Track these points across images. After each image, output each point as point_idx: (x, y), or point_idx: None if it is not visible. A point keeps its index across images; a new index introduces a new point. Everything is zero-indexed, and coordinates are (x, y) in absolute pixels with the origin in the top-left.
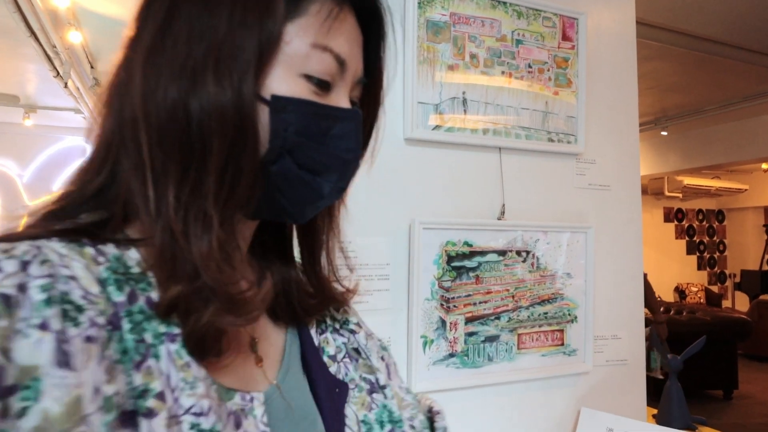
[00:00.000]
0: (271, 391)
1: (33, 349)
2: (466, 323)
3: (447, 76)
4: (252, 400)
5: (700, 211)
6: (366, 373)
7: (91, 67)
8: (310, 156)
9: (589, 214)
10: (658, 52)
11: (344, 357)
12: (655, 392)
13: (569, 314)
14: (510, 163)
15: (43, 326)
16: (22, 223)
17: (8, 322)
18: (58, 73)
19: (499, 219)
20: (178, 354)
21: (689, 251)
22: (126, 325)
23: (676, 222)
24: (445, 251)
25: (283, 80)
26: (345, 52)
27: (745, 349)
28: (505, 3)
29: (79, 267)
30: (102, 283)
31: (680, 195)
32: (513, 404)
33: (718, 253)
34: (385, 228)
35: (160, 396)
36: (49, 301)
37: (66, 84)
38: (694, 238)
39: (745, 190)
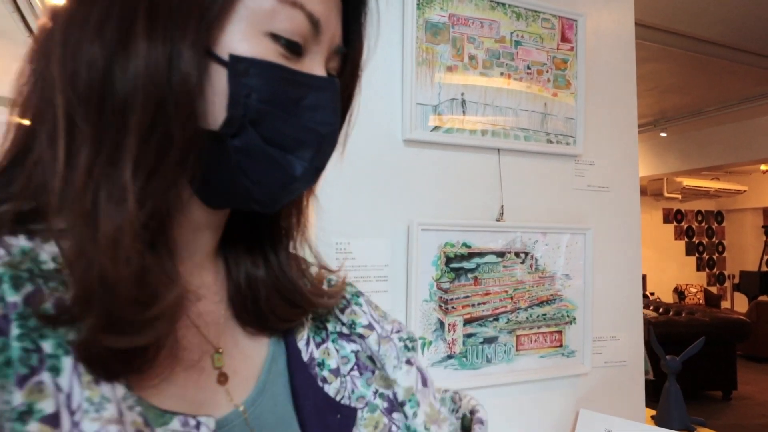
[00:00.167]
0: (231, 417)
1: None
2: (464, 324)
3: (446, 77)
4: (198, 425)
5: (699, 212)
6: (383, 388)
7: None
8: (279, 128)
9: (588, 216)
10: (657, 53)
11: (352, 369)
12: (654, 393)
13: (568, 315)
14: (509, 165)
15: None
16: None
17: None
18: None
19: (497, 220)
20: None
21: (688, 252)
22: (15, 330)
23: (675, 223)
24: (444, 252)
25: (244, 38)
26: (320, 12)
27: (744, 350)
28: (504, 4)
29: None
30: None
31: (679, 196)
32: (511, 406)
33: (717, 254)
34: (384, 229)
35: (51, 419)
36: None
37: None
38: (693, 239)
39: (744, 191)
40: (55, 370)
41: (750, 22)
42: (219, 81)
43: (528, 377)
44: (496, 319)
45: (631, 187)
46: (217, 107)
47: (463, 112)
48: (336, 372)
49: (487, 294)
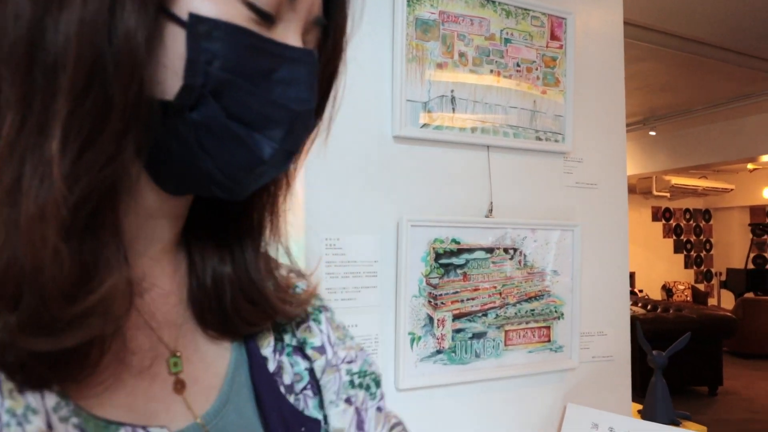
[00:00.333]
0: (192, 430)
1: None
2: (453, 320)
3: (436, 75)
4: None
5: (687, 210)
6: (321, 415)
7: None
8: (244, 102)
9: (576, 212)
10: (647, 53)
11: (305, 387)
12: (641, 388)
13: (556, 311)
14: (498, 161)
15: None
16: None
17: None
18: None
19: (486, 217)
20: None
21: (676, 250)
22: None
23: (663, 221)
24: (433, 248)
25: None
26: None
27: (730, 347)
28: (494, 2)
29: None
30: None
31: (668, 194)
32: (500, 400)
33: (704, 252)
34: (374, 225)
35: None
36: None
37: None
38: (682, 237)
39: (731, 189)
40: None
41: (738, 23)
42: (175, 43)
43: (516, 372)
44: (485, 315)
45: (619, 184)
46: (171, 74)
47: (453, 109)
48: (290, 389)
49: (476, 290)
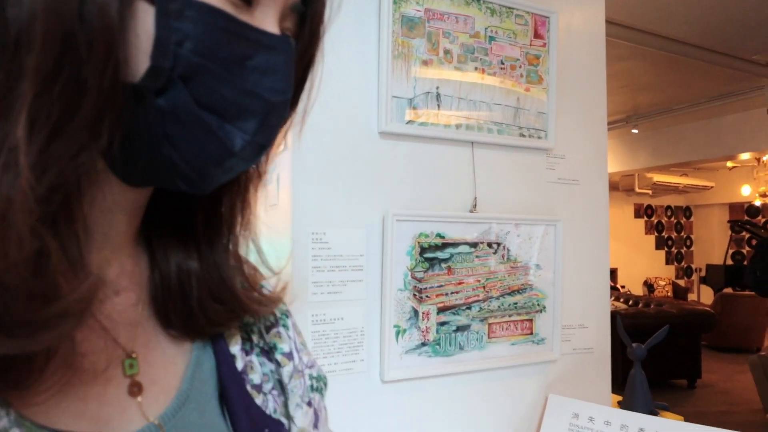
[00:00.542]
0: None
1: None
2: (438, 313)
3: (421, 71)
4: None
5: (668, 207)
6: (283, 416)
7: None
8: (216, 90)
9: (559, 208)
10: (631, 51)
11: (273, 388)
12: (622, 380)
13: (538, 304)
14: (482, 158)
15: None
16: None
17: None
18: None
19: (471, 212)
20: None
21: (658, 246)
22: None
23: (645, 218)
24: (418, 243)
25: None
26: None
27: (709, 341)
28: (478, 0)
29: None
30: None
31: (650, 191)
32: (483, 392)
33: (685, 248)
34: (359, 220)
35: None
36: None
37: None
38: (663, 234)
39: (712, 187)
40: None
41: (718, 23)
42: (143, 21)
43: (499, 364)
44: (469, 308)
45: (601, 180)
46: (137, 54)
47: (438, 106)
48: (259, 388)
49: (460, 283)
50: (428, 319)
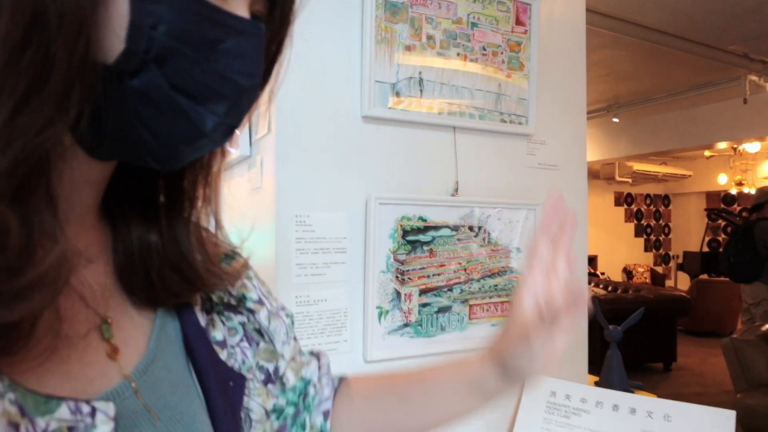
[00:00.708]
0: (120, 389)
1: None
2: (420, 295)
3: (404, 57)
4: (93, 413)
5: (648, 195)
6: (264, 361)
7: None
8: (189, 73)
9: (538, 192)
10: (611, 40)
11: (241, 341)
12: (600, 362)
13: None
14: (464, 142)
15: None
16: None
17: None
18: None
19: (452, 195)
20: None
21: (637, 234)
22: None
23: (625, 206)
24: (401, 226)
25: None
26: None
27: (685, 325)
28: None
29: None
30: None
31: (630, 180)
32: None
33: (663, 236)
34: (342, 203)
35: None
36: None
37: None
38: (642, 222)
39: (690, 176)
40: None
41: (696, 13)
42: (118, 4)
43: (480, 344)
44: (450, 290)
45: (579, 166)
46: (112, 36)
47: (421, 91)
48: (223, 344)
49: (441, 266)
50: (410, 301)
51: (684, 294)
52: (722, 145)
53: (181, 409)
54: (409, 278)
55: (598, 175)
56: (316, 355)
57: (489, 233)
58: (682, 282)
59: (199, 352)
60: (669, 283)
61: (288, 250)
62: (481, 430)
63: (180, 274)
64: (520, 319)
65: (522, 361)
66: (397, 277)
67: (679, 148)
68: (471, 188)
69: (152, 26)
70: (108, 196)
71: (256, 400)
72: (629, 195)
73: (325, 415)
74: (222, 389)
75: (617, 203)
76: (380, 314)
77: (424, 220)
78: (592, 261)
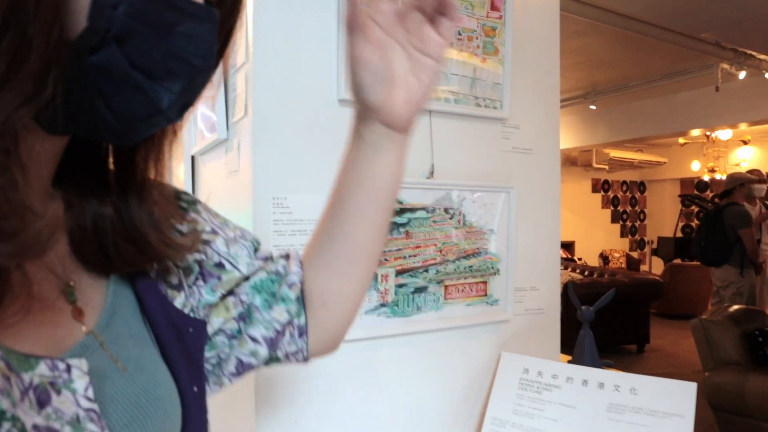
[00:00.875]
0: (87, 343)
1: None
2: (396, 275)
3: None
4: (69, 369)
5: (624, 182)
6: (229, 292)
7: None
8: (148, 53)
9: (513, 176)
10: (588, 27)
11: (197, 279)
12: (574, 342)
13: (492, 267)
14: (439, 126)
15: None
16: None
17: None
18: None
19: (428, 178)
20: None
21: (614, 220)
22: None
23: (602, 192)
24: None
25: None
26: None
27: (658, 308)
28: None
29: None
30: None
31: (607, 167)
32: (440, 350)
33: (639, 222)
34: (319, 186)
35: None
36: None
37: None
38: (618, 208)
39: (664, 163)
40: None
41: (668, 1)
42: None
43: (455, 324)
44: (426, 271)
45: (553, 150)
46: (75, 14)
47: None
48: (179, 287)
49: (417, 247)
50: (387, 281)
51: (657, 278)
52: (696, 133)
53: (143, 359)
54: (386, 259)
55: (575, 161)
56: (286, 256)
57: (464, 215)
58: (656, 267)
59: (151, 306)
60: (644, 267)
61: (265, 232)
62: (460, 408)
63: (133, 245)
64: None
65: (370, 81)
66: None
67: (654, 135)
68: (446, 171)
69: (113, 6)
70: (60, 170)
71: (218, 320)
72: (606, 182)
73: (291, 286)
74: (178, 337)
75: (594, 190)
76: None
77: (400, 203)
78: (570, 247)
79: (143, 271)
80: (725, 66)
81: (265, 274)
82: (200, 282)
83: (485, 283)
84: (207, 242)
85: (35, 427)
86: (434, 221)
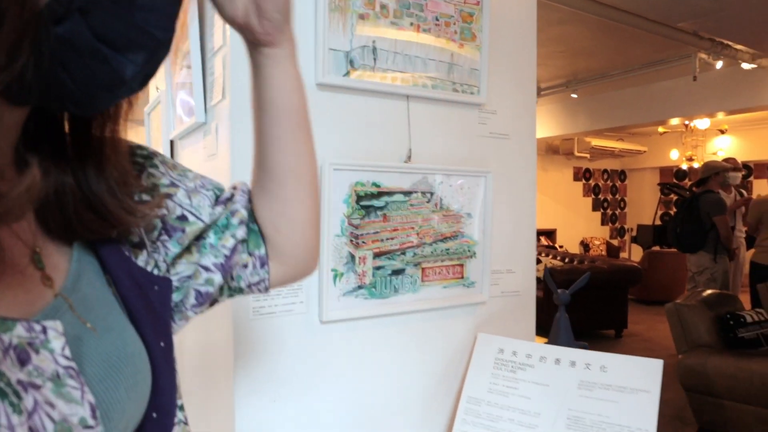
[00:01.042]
0: (57, 305)
1: None
2: (374, 258)
3: (358, 25)
4: (45, 330)
5: (605, 171)
6: (195, 242)
7: None
8: (110, 24)
9: (489, 160)
10: (569, 15)
11: (161, 234)
12: (549, 324)
13: (469, 250)
14: (417, 111)
15: None
16: None
17: None
18: None
19: (405, 162)
20: None
21: (594, 208)
22: None
23: (584, 181)
24: (355, 191)
25: None
26: None
27: (636, 294)
28: None
29: None
30: None
31: (588, 155)
32: (417, 331)
33: (619, 210)
34: None
35: None
36: None
37: None
38: (599, 196)
39: (644, 151)
40: None
41: None
42: None
43: (432, 305)
44: (404, 253)
45: (529, 135)
46: None
47: (375, 60)
48: (140, 245)
49: (395, 230)
50: (365, 264)
51: (635, 264)
52: (675, 122)
53: (111, 319)
54: (363, 242)
55: (557, 150)
56: (233, 187)
57: (441, 199)
58: (635, 254)
59: (114, 268)
60: (623, 255)
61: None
62: (436, 388)
63: (95, 213)
64: None
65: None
66: (351, 240)
67: (634, 123)
68: (424, 155)
69: None
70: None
71: (183, 267)
72: (587, 170)
73: (234, 213)
74: (142, 296)
75: (576, 178)
76: (335, 276)
77: (378, 186)
78: (551, 235)
79: (106, 236)
80: (703, 55)
81: (225, 217)
82: (164, 237)
83: (462, 265)
84: (168, 196)
85: (19, 382)
86: (411, 205)
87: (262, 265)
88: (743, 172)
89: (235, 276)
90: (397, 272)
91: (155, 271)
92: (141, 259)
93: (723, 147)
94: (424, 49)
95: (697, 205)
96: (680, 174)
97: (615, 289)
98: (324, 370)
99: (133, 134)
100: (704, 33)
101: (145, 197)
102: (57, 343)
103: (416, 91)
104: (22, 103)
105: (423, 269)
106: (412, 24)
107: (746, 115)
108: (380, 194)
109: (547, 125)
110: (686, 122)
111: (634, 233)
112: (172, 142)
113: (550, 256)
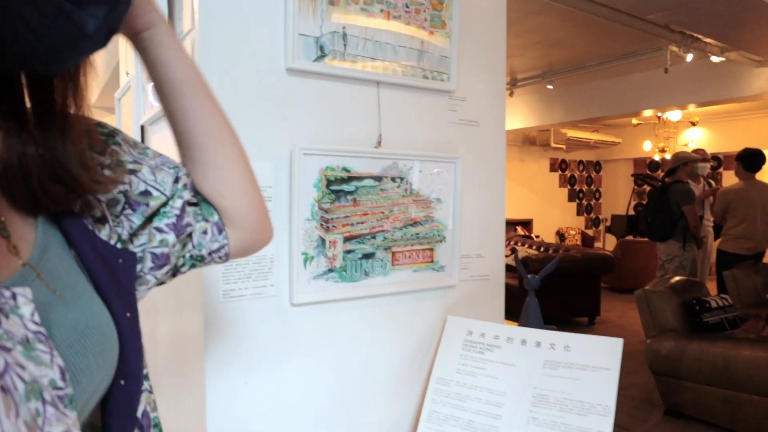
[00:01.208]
0: (26, 273)
1: None
2: (344, 242)
3: (328, 11)
4: (15, 297)
5: (581, 162)
6: (159, 216)
7: None
8: None
9: (459, 147)
10: (544, 6)
11: (124, 208)
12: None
13: (439, 235)
14: (387, 97)
15: None
16: None
17: None
18: None
19: (376, 147)
20: None
21: (570, 198)
22: None
23: (560, 171)
24: (325, 176)
25: None
26: None
27: (608, 282)
28: None
29: None
30: None
31: (564, 146)
32: (388, 314)
33: (594, 200)
34: (268, 153)
35: None
36: None
37: None
38: (575, 187)
39: (619, 143)
40: None
41: None
42: None
43: (402, 289)
44: (374, 237)
45: (498, 122)
46: None
47: (345, 46)
48: (103, 219)
49: (365, 214)
50: (335, 248)
51: (608, 253)
52: (648, 113)
53: (78, 289)
54: (334, 226)
55: (534, 141)
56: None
57: (411, 184)
58: (609, 243)
59: (78, 240)
60: (598, 244)
61: None
62: (406, 370)
63: (61, 184)
64: None
65: None
66: (321, 224)
67: (609, 115)
68: (394, 141)
69: None
70: None
71: (145, 238)
72: (563, 161)
73: (176, 180)
74: (107, 267)
75: (552, 169)
76: (305, 260)
77: (348, 171)
78: (528, 225)
79: (69, 210)
80: (674, 48)
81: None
82: (128, 211)
83: (432, 250)
84: (133, 172)
85: None
86: (381, 189)
87: (220, 231)
88: (712, 163)
89: (196, 243)
90: (368, 256)
91: (118, 245)
92: (104, 233)
93: (694, 139)
94: (395, 36)
95: (667, 195)
96: (653, 165)
97: (588, 277)
98: (295, 352)
99: (105, 121)
100: (675, 26)
101: (108, 173)
102: (26, 308)
103: (387, 77)
104: None
105: (393, 253)
106: (382, 11)
107: (716, 108)
108: (350, 179)
109: (524, 116)
110: (659, 114)
111: (608, 223)
112: (142, 128)
113: (526, 246)
